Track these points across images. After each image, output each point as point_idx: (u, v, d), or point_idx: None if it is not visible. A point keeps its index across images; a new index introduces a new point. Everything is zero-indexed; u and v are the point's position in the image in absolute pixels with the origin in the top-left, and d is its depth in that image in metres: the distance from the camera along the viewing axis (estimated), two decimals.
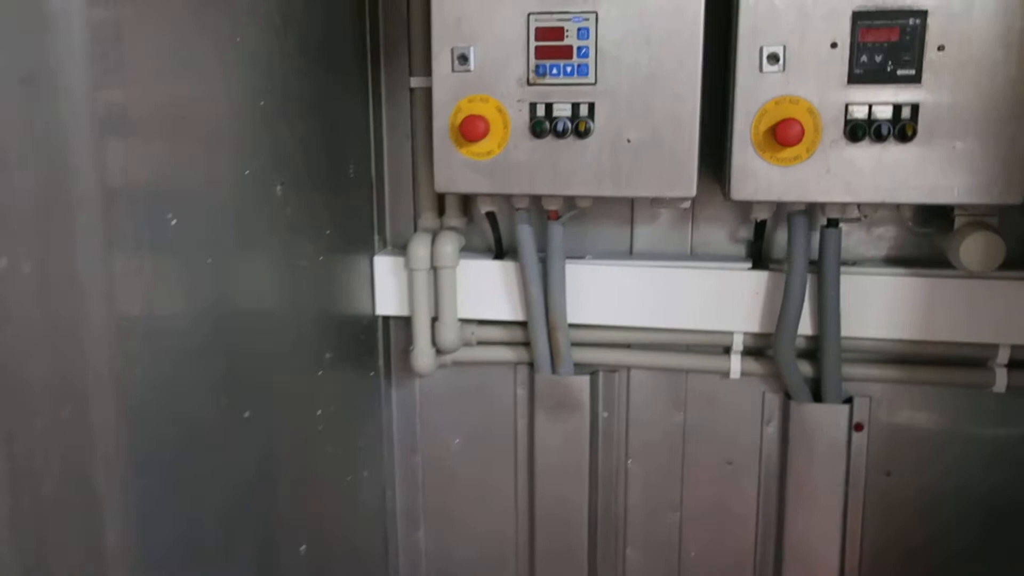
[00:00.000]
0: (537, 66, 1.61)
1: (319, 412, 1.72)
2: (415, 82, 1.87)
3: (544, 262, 1.85)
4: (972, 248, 1.60)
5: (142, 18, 1.17)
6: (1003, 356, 1.76)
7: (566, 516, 2.00)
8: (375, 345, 2.00)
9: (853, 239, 1.81)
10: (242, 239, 1.44)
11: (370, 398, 2.00)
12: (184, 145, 1.28)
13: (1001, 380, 1.77)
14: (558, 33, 1.59)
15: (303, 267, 1.65)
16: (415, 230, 1.97)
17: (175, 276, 1.27)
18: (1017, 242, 1.67)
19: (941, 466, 1.88)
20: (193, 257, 1.30)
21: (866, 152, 1.54)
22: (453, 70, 1.64)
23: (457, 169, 1.68)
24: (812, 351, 1.83)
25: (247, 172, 1.44)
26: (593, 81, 1.60)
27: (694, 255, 1.90)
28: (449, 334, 1.92)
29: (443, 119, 1.66)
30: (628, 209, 1.90)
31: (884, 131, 1.51)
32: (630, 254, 1.93)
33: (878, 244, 1.83)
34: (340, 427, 1.81)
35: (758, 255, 1.84)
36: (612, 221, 1.92)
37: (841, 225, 1.72)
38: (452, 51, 1.63)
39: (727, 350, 1.88)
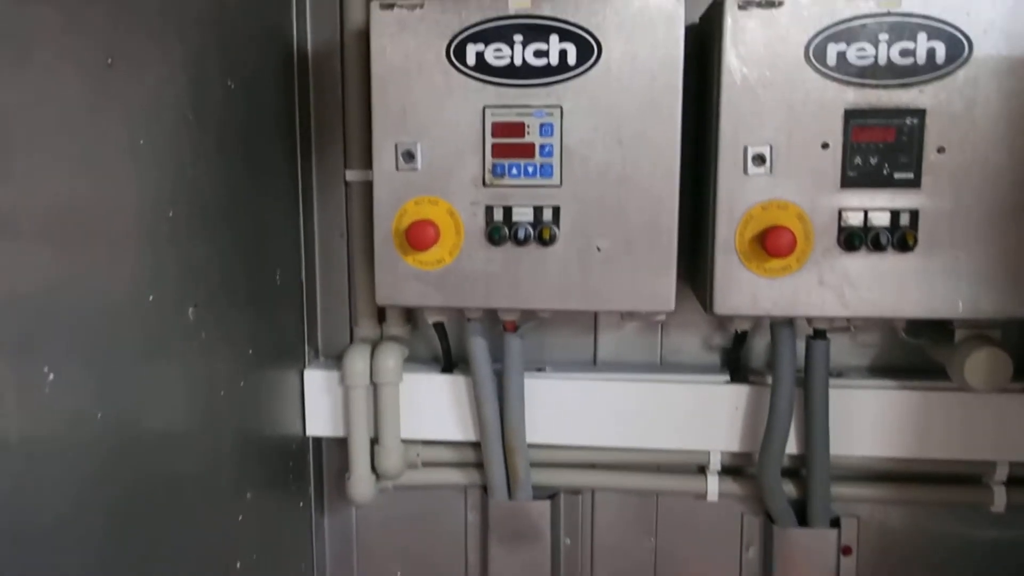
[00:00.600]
0: (494, 165, 1.41)
1: (238, 564, 1.45)
2: (351, 175, 1.64)
3: (499, 376, 1.63)
4: (978, 366, 1.45)
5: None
6: (1001, 473, 1.61)
7: None
8: (306, 471, 1.74)
9: (836, 347, 1.63)
10: (143, 377, 1.18)
11: (300, 532, 1.73)
12: (69, 270, 1.02)
13: (1000, 499, 1.62)
14: (518, 129, 1.40)
15: (221, 395, 1.40)
16: (351, 340, 1.73)
17: (51, 437, 1.00)
18: (1015, 351, 1.52)
19: None
20: (79, 410, 1.04)
21: (863, 262, 1.38)
22: (398, 168, 1.42)
23: (402, 280, 1.45)
24: (795, 470, 1.65)
25: (151, 297, 1.18)
26: (558, 183, 1.40)
27: (665, 365, 1.72)
28: (391, 458, 1.67)
29: (386, 224, 1.44)
30: (591, 317, 1.71)
31: (882, 240, 1.35)
32: (594, 364, 1.73)
33: (864, 353, 1.67)
34: (264, 574, 1.54)
35: (736, 366, 1.66)
36: (574, 329, 1.72)
37: (828, 334, 1.56)
38: (396, 146, 1.42)
39: (703, 470, 1.69)
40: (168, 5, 1.22)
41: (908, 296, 1.38)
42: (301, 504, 1.73)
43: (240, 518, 1.45)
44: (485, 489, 1.72)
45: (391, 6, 1.41)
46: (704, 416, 1.64)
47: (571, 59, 1.38)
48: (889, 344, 1.66)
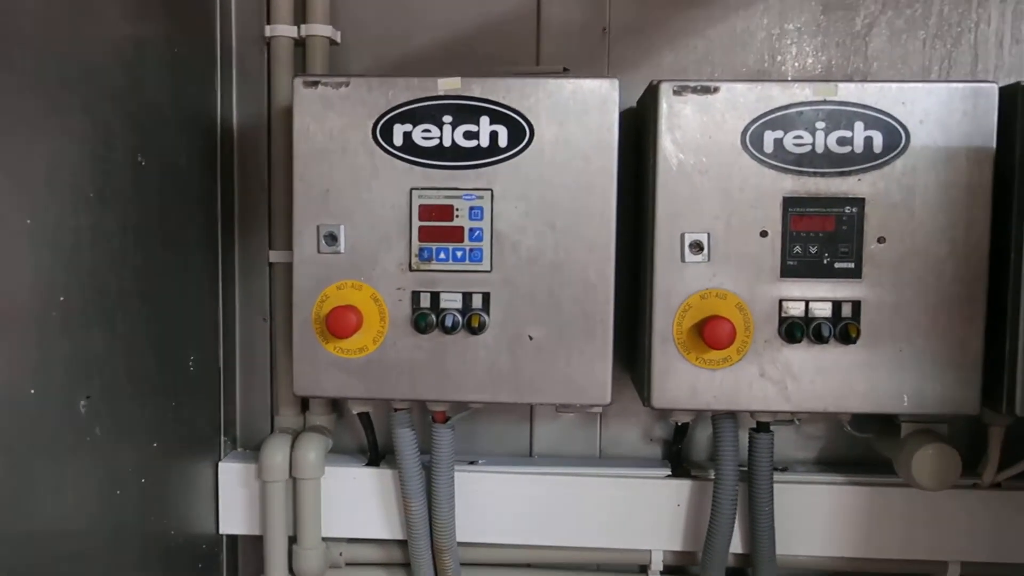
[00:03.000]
0: (421, 249, 1.32)
1: None
2: (275, 256, 1.55)
3: (428, 469, 1.52)
4: (925, 463, 1.37)
5: None
6: (953, 573, 1.53)
7: None
8: (218, 572, 1.60)
9: (781, 439, 1.56)
10: (25, 479, 1.05)
11: None
12: None
13: None
14: (447, 212, 1.32)
15: (118, 495, 1.26)
16: (272, 430, 1.61)
17: None
18: (967, 450, 1.45)
19: None
20: None
21: (805, 354, 1.31)
22: (319, 250, 1.34)
23: (323, 368, 1.35)
24: (741, 569, 1.56)
25: (32, 391, 1.06)
26: (488, 268, 1.32)
27: (604, 458, 1.63)
28: (310, 559, 1.54)
29: (306, 309, 1.34)
30: (527, 407, 1.62)
31: (824, 332, 1.29)
32: (530, 456, 1.63)
33: (810, 446, 1.60)
34: None
35: (677, 459, 1.57)
36: (508, 419, 1.63)
37: (772, 427, 1.48)
38: (318, 229, 1.33)
39: (644, 569, 1.58)
40: (72, 76, 1.14)
41: (852, 390, 1.31)
42: None
43: None
44: None
45: (316, 83, 1.34)
46: (645, 512, 1.54)
47: (502, 141, 1.32)
48: (835, 437, 1.59)
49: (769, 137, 1.30)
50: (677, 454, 1.57)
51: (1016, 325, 1.28)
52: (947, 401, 1.31)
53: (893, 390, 1.31)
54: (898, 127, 1.29)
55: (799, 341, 1.30)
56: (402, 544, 1.57)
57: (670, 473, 1.56)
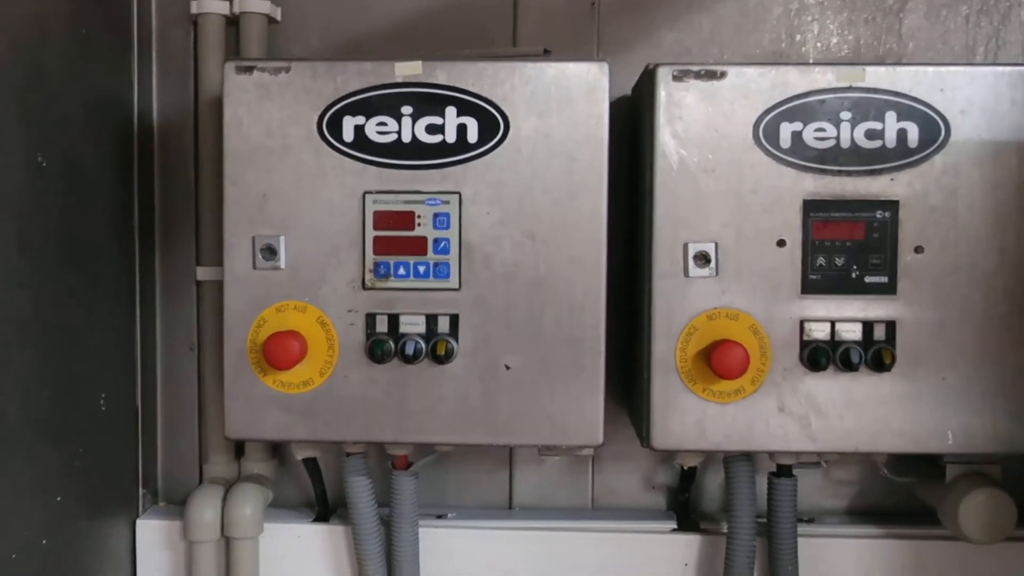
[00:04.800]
0: (377, 264, 1.32)
1: None
2: (203, 273, 1.56)
3: (388, 525, 1.52)
4: (974, 512, 1.38)
5: None
6: None
7: None
8: None
9: (806, 485, 1.58)
10: None
11: None
12: None
13: None
14: (407, 220, 1.32)
15: (14, 558, 1.25)
16: (200, 480, 1.61)
17: None
18: (1020, 492, 1.47)
19: None
20: None
21: (831, 385, 1.32)
22: (255, 267, 1.33)
23: (260, 406, 1.35)
24: None
25: None
26: (456, 286, 1.33)
27: (597, 509, 1.65)
28: None
29: (240, 336, 1.34)
30: (506, 450, 1.62)
31: (854, 357, 1.30)
32: (510, 509, 1.65)
33: (839, 492, 1.63)
34: None
35: (684, 510, 1.58)
36: (484, 465, 1.65)
37: (795, 470, 1.49)
38: (254, 240, 1.33)
39: None
40: None
41: (888, 426, 1.33)
42: None
43: None
44: None
45: (251, 69, 1.34)
46: (646, 573, 1.55)
47: (472, 136, 1.32)
48: (869, 482, 1.62)
49: (786, 130, 1.32)
50: (684, 504, 1.59)
51: None
52: (999, 438, 1.33)
53: (935, 426, 1.32)
54: (937, 118, 1.31)
55: (824, 369, 1.31)
56: None
57: (675, 527, 1.58)
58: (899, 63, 1.52)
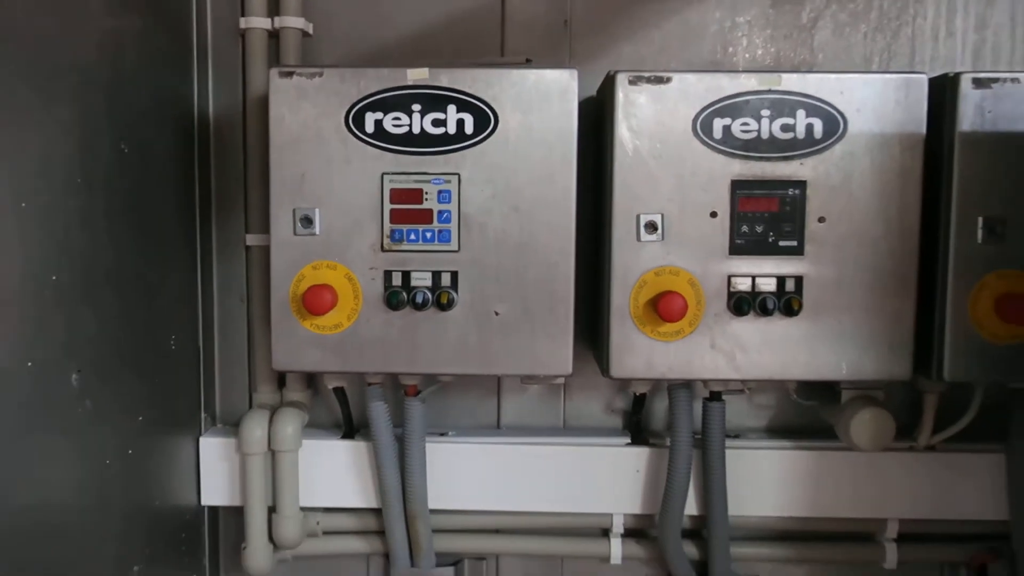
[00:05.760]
0: (393, 231, 1.42)
1: None
2: (252, 240, 1.63)
3: (401, 441, 1.62)
4: (862, 427, 1.50)
5: None
6: (892, 530, 1.66)
7: None
8: (200, 542, 1.69)
9: (734, 409, 1.68)
10: (22, 445, 1.13)
11: None
12: None
13: (891, 556, 1.66)
14: (416, 196, 1.41)
15: (107, 464, 1.35)
16: (250, 406, 1.70)
17: None
18: (900, 411, 1.58)
19: None
20: None
21: (752, 327, 1.42)
22: (295, 233, 1.42)
23: (300, 344, 1.44)
24: (697, 531, 1.67)
25: (29, 363, 1.14)
26: (456, 248, 1.42)
27: (567, 429, 1.73)
28: (289, 528, 1.63)
29: (283, 288, 1.43)
30: (495, 381, 1.72)
31: (769, 305, 1.40)
32: (498, 428, 1.74)
33: (760, 414, 1.72)
34: None
35: (637, 429, 1.68)
36: (477, 393, 1.73)
37: (724, 396, 1.59)
38: (294, 212, 1.42)
39: (606, 533, 1.69)
40: (60, 68, 1.21)
41: (795, 359, 1.43)
42: None
43: None
44: (387, 557, 1.68)
45: (291, 74, 1.42)
46: (606, 479, 1.65)
47: (468, 129, 1.41)
48: (784, 406, 1.71)
49: (718, 124, 1.41)
50: (636, 424, 1.68)
51: (944, 299, 1.41)
52: (882, 369, 1.43)
53: (833, 359, 1.43)
54: (837, 115, 1.40)
55: (746, 314, 1.41)
56: (376, 512, 1.66)
57: (629, 442, 1.67)
58: (809, 71, 1.61)
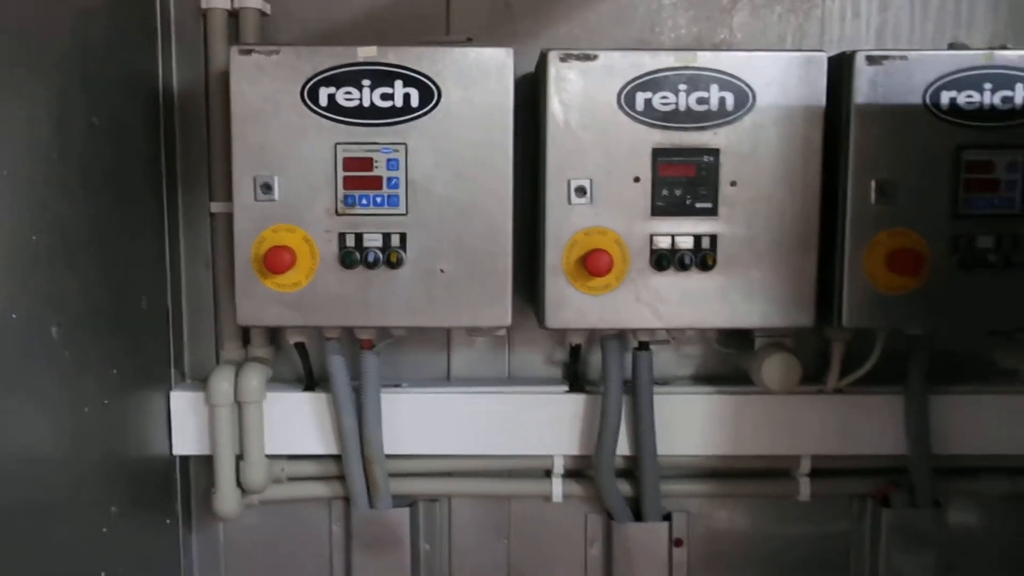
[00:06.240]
0: (346, 196, 1.55)
1: (103, 574, 1.52)
2: (216, 207, 1.76)
3: (358, 392, 1.76)
4: (771, 369, 1.67)
5: None
6: (805, 466, 1.84)
7: None
8: (172, 488, 1.82)
9: (664, 359, 1.85)
10: (4, 392, 1.26)
11: (167, 548, 1.81)
12: None
13: (805, 489, 1.84)
14: (367, 164, 1.55)
15: (85, 412, 1.48)
16: (217, 362, 1.83)
17: None
18: (811, 359, 1.76)
19: (758, 574, 1.93)
20: None
21: (671, 280, 1.58)
22: (256, 199, 1.55)
23: (262, 301, 1.58)
24: (631, 470, 1.84)
25: (13, 315, 1.27)
26: (404, 212, 1.56)
27: (512, 379, 1.88)
28: (255, 473, 1.77)
29: (246, 250, 1.56)
30: (445, 335, 1.86)
31: (687, 260, 1.56)
32: (447, 380, 1.88)
33: (686, 363, 1.88)
34: None
35: (574, 378, 1.84)
36: (429, 347, 1.87)
37: (652, 347, 1.76)
38: (255, 179, 1.55)
39: (548, 474, 1.85)
40: (36, 46, 1.33)
41: (711, 309, 1.59)
42: (168, 520, 1.80)
43: (104, 531, 1.53)
44: (348, 500, 1.83)
45: (250, 51, 1.55)
46: (546, 424, 1.81)
47: (414, 102, 1.54)
48: (708, 356, 1.88)
49: (640, 98, 1.55)
50: (574, 373, 1.83)
51: (842, 254, 1.58)
52: (788, 317, 1.60)
53: (744, 309, 1.59)
54: (747, 89, 1.56)
55: (666, 269, 1.57)
56: (337, 459, 1.81)
57: (567, 389, 1.82)
58: (722, 49, 1.74)
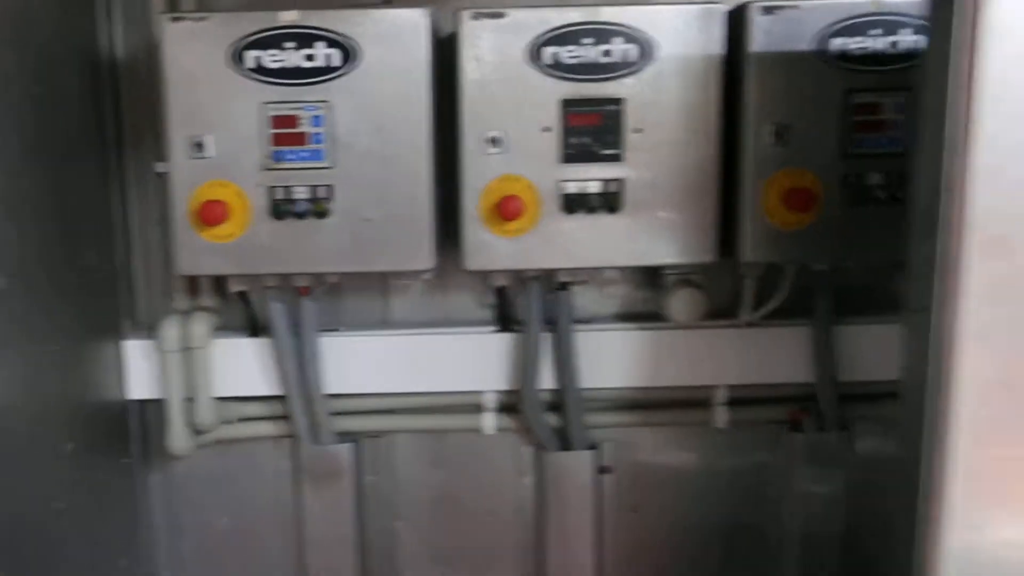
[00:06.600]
0: (274, 152, 1.66)
1: (62, 506, 1.66)
2: (160, 167, 1.85)
3: (298, 337, 1.88)
4: (678, 303, 1.81)
5: None
6: (721, 396, 1.97)
7: None
8: (126, 431, 1.96)
9: (589, 300, 1.97)
10: None
11: (125, 485, 1.95)
12: None
13: (721, 417, 1.98)
14: (292, 121, 1.66)
15: (38, 360, 1.61)
16: (168, 312, 1.95)
17: None
18: (721, 295, 1.90)
19: (681, 499, 2.08)
20: None
21: (581, 223, 1.70)
22: (191, 157, 1.67)
23: (200, 252, 1.69)
24: (556, 403, 1.97)
25: None
26: (329, 165, 1.67)
27: (447, 322, 2.00)
28: (204, 413, 1.90)
29: (183, 205, 1.68)
30: (382, 281, 1.98)
31: (595, 204, 1.68)
32: (385, 324, 2.00)
33: (609, 303, 2.00)
34: (87, 518, 1.75)
35: (503, 318, 1.96)
36: (368, 294, 1.99)
37: (574, 287, 1.88)
38: (188, 138, 1.66)
39: (480, 408, 1.98)
40: None
41: (619, 249, 1.72)
42: (126, 460, 1.94)
43: (62, 466, 1.67)
44: (294, 438, 1.97)
45: (180, 19, 1.65)
46: (477, 362, 1.93)
47: (336, 62, 1.64)
48: (629, 295, 1.99)
49: (548, 52, 1.66)
50: (502, 314, 1.95)
51: (742, 194, 1.70)
52: (692, 253, 1.72)
53: (651, 247, 1.71)
54: (649, 41, 1.66)
55: (576, 212, 1.69)
56: (282, 399, 1.94)
57: (497, 329, 1.94)
58: (626, 4, 1.82)
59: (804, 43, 1.67)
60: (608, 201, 1.69)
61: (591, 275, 1.88)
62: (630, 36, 1.66)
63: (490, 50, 1.65)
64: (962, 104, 1.09)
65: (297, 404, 1.91)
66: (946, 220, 1.12)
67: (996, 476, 1.18)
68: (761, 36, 1.67)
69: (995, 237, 1.10)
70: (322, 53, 1.65)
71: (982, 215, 1.10)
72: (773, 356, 1.93)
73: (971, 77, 1.08)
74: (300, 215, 1.67)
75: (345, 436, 1.98)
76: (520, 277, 1.87)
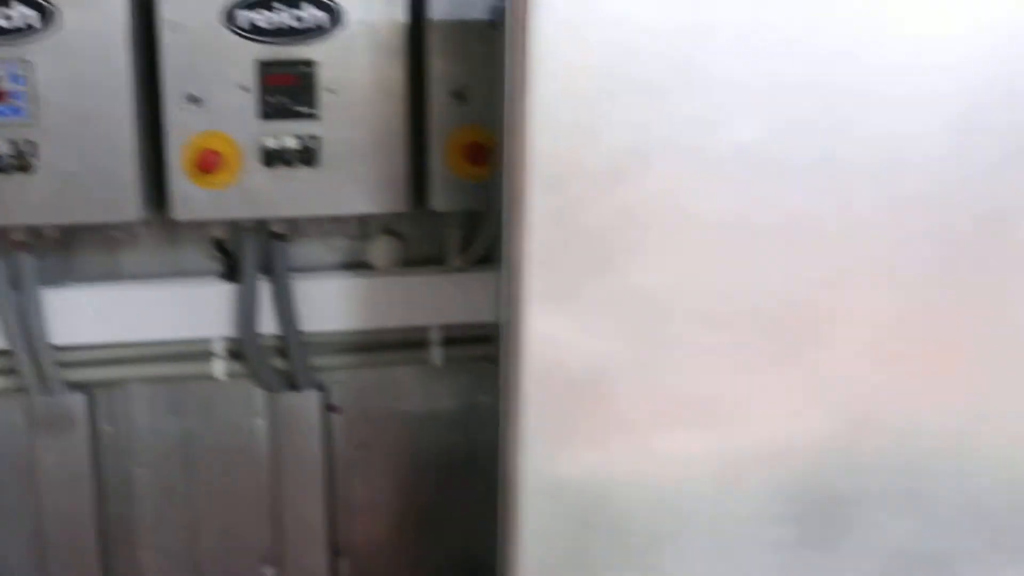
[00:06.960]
0: None
1: None
2: None
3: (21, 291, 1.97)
4: (376, 250, 2.01)
5: None
6: (436, 336, 2.18)
7: (75, 533, 2.12)
8: None
9: (314, 251, 2.13)
10: None
11: None
12: None
13: (437, 356, 2.19)
14: None
15: None
16: None
17: None
18: (423, 243, 2.11)
19: (406, 435, 2.27)
20: None
21: (280, 175, 1.86)
22: None
23: None
24: (281, 348, 2.13)
25: None
26: (32, 122, 1.76)
27: (178, 274, 2.10)
28: None
29: None
30: (104, 236, 2.06)
31: (292, 158, 1.85)
32: (116, 277, 2.09)
33: (334, 254, 2.15)
34: None
35: (228, 268, 2.09)
36: (96, 248, 2.06)
37: (300, 240, 2.06)
38: None
39: (210, 354, 2.12)
40: None
41: (318, 200, 1.88)
42: None
43: None
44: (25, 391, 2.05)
45: None
46: (205, 310, 2.06)
47: (36, 23, 1.73)
48: (351, 248, 2.15)
49: (243, 16, 1.77)
50: (228, 264, 2.07)
51: (428, 148, 1.91)
52: (385, 204, 1.90)
53: (347, 198, 1.89)
54: (338, 8, 1.81)
55: (274, 166, 1.84)
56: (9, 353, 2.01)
57: (222, 279, 2.07)
58: None
59: (477, 11, 1.88)
60: (305, 156, 1.85)
61: (303, 226, 2.05)
62: (320, 3, 1.82)
63: (189, 11, 1.78)
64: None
65: (24, 357, 1.98)
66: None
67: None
68: (442, 2, 1.87)
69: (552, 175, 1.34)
70: (19, 13, 1.73)
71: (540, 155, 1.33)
72: (479, 298, 2.14)
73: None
74: (3, 170, 1.75)
75: (80, 387, 2.07)
76: (237, 228, 2.02)
